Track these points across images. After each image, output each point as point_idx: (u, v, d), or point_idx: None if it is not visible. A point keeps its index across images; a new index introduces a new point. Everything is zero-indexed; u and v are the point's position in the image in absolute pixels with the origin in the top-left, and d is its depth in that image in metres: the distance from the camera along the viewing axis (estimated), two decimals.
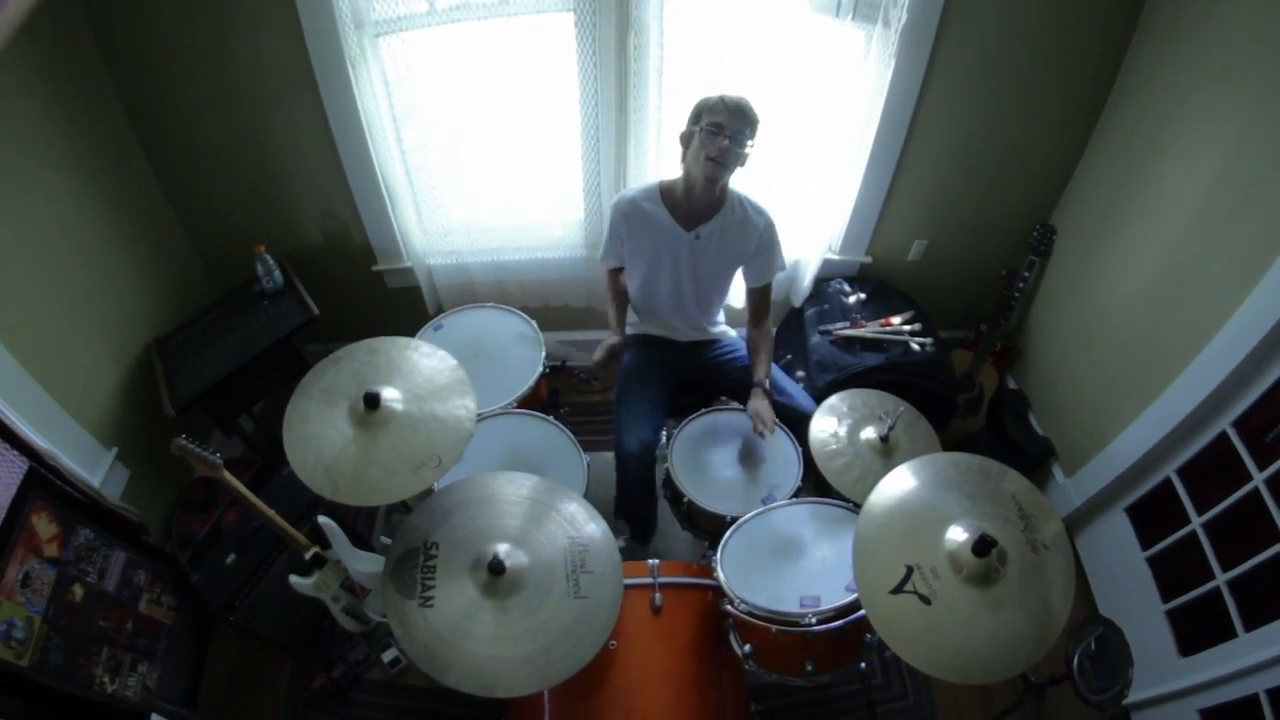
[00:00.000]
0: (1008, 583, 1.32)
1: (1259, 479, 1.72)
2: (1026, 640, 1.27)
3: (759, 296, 2.18)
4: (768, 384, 2.06)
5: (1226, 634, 1.79)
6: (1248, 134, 1.76)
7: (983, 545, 1.30)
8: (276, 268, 2.42)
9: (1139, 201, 2.15)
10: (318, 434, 1.56)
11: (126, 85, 2.23)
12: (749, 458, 2.04)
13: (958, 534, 1.37)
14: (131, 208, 2.35)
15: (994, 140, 2.36)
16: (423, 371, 1.72)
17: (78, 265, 2.14)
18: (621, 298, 2.24)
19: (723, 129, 1.81)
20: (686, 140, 1.90)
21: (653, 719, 1.56)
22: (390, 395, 1.62)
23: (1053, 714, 2.09)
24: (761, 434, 1.96)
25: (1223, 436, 1.84)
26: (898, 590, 1.34)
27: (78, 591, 1.80)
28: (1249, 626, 1.74)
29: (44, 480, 1.79)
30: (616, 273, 2.23)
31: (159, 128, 2.33)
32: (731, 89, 1.85)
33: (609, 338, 2.11)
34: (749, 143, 1.85)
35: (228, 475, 1.77)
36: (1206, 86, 1.89)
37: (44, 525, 1.75)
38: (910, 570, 1.35)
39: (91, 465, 2.06)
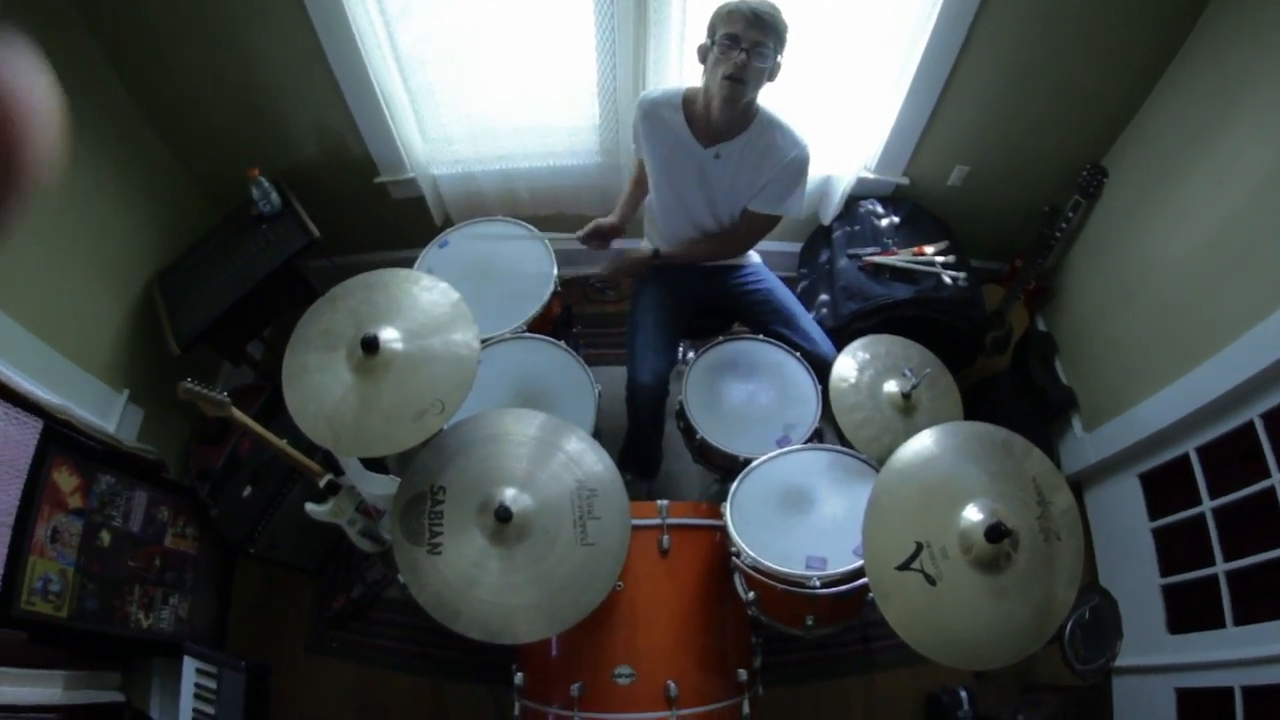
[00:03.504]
0: (1015, 571, 1.30)
1: (1277, 477, 1.67)
2: (1024, 633, 1.27)
3: (754, 221, 1.95)
4: (659, 252, 2.05)
5: (1216, 622, 1.80)
6: None
7: (995, 532, 1.27)
8: (273, 189, 2.29)
9: (1203, 162, 1.96)
10: (317, 383, 1.52)
11: (95, 12, 2.03)
12: (766, 392, 1.98)
13: (973, 513, 1.34)
14: (115, 142, 2.21)
15: (1053, 69, 2.12)
16: (423, 307, 1.63)
17: (67, 212, 2.04)
18: (638, 185, 2.10)
19: (738, 41, 1.60)
20: (704, 54, 1.70)
21: (657, 658, 1.61)
22: (389, 336, 1.55)
23: (1039, 671, 2.15)
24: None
25: (1249, 426, 1.76)
26: (904, 567, 1.33)
27: (105, 537, 1.86)
28: (1239, 620, 1.75)
29: (59, 435, 1.79)
30: (641, 176, 2.08)
31: (134, 54, 2.14)
32: None
33: (604, 218, 2.06)
34: (774, 57, 1.64)
35: (237, 413, 1.75)
36: None
37: (65, 479, 1.78)
38: (919, 547, 1.34)
39: (105, 410, 2.06)
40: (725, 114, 1.75)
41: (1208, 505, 1.89)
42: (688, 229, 2.05)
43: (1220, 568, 1.82)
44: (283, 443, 1.87)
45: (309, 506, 1.96)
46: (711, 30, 1.66)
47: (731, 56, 1.61)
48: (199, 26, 2.07)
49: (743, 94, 1.69)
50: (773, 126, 1.82)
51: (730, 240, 2.05)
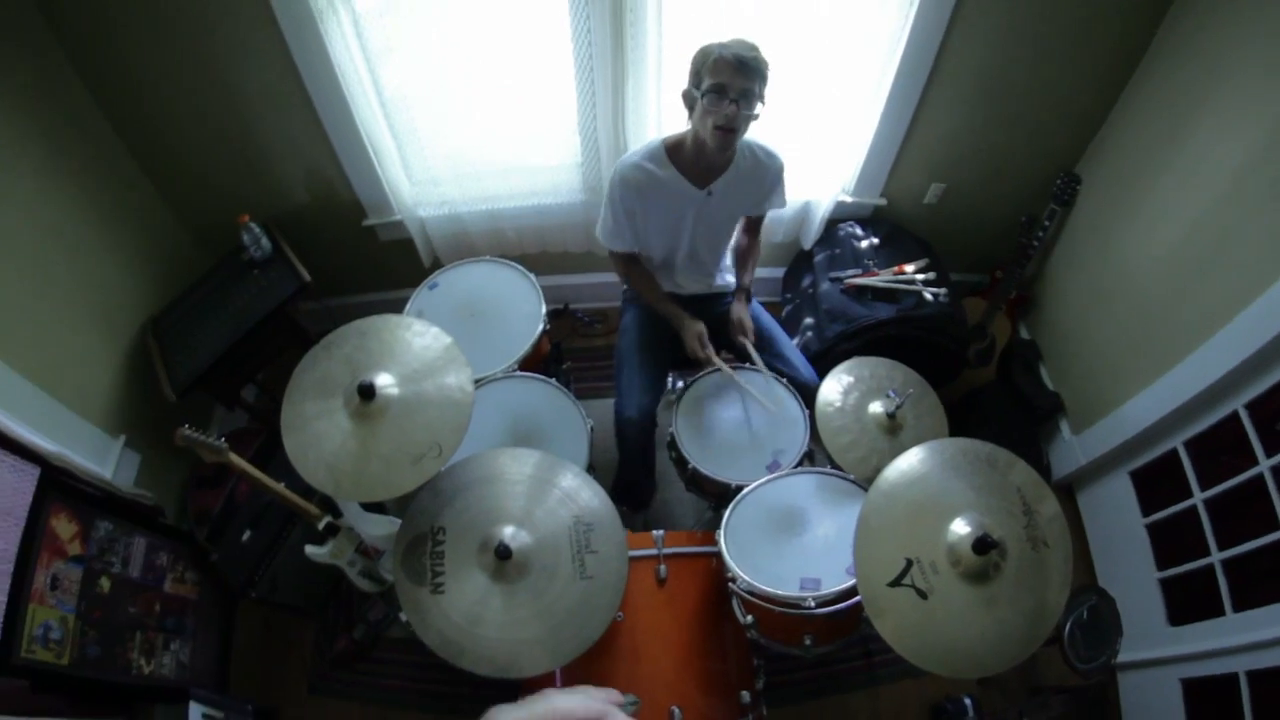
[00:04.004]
0: (1004, 580, 1.33)
1: (1265, 465, 1.71)
2: (1018, 639, 1.30)
3: (757, 220, 2.14)
4: (750, 289, 2.10)
5: (1215, 610, 1.83)
6: None
7: (982, 545, 1.30)
8: (263, 235, 2.33)
9: (1173, 163, 2.02)
10: (315, 430, 1.54)
11: (89, 70, 2.09)
12: (754, 419, 2.01)
13: (960, 527, 1.37)
14: (110, 192, 2.25)
15: (1022, 84, 2.19)
16: (416, 352, 1.66)
17: (62, 261, 2.08)
18: (640, 268, 2.10)
19: (726, 92, 1.63)
20: (689, 102, 1.73)
21: (657, 686, 1.63)
22: (384, 382, 1.58)
23: (1043, 673, 2.17)
24: (743, 342, 2.00)
25: (1234, 416, 1.81)
26: (895, 583, 1.36)
27: (105, 584, 1.85)
28: (1238, 607, 1.78)
29: (57, 483, 1.80)
30: (631, 258, 2.06)
31: (128, 106, 2.19)
32: (736, 30, 1.67)
33: (691, 328, 1.99)
34: (759, 99, 1.68)
35: (234, 459, 1.77)
36: (1254, 59, 1.74)
37: (63, 526, 1.78)
38: (910, 563, 1.37)
39: (101, 456, 2.07)
40: (719, 157, 1.81)
41: (1199, 497, 1.92)
42: (686, 271, 2.11)
43: (1215, 557, 1.85)
44: (280, 486, 1.89)
45: (309, 549, 1.98)
46: (696, 77, 1.68)
47: (722, 108, 1.64)
48: (183, 69, 2.11)
49: (735, 140, 1.74)
50: (751, 148, 1.88)
51: (756, 236, 2.16)
